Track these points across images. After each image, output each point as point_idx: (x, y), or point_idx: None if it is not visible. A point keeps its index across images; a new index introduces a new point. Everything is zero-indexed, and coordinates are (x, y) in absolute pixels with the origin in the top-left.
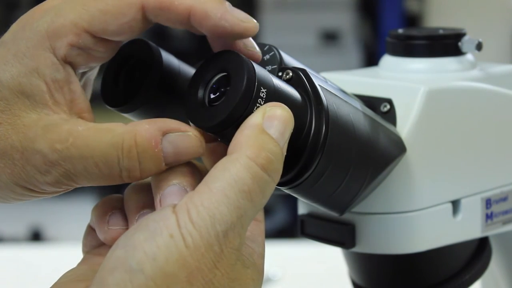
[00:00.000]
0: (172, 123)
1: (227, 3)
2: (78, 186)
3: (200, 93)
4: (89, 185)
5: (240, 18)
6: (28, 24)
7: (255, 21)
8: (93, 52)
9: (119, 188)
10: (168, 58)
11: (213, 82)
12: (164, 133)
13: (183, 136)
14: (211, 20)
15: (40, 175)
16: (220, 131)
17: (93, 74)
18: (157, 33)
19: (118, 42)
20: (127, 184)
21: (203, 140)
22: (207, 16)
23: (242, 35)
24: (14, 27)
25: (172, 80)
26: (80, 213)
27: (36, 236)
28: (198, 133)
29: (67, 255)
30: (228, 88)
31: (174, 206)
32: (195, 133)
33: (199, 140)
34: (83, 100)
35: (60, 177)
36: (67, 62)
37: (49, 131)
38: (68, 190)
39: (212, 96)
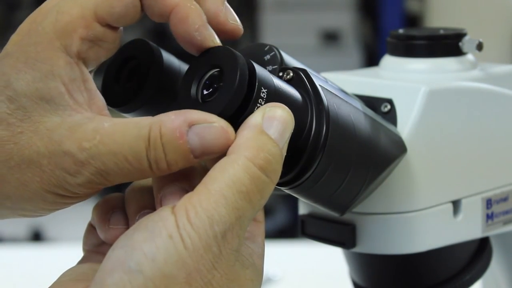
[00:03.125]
0: (199, 114)
1: (205, 18)
2: (111, 184)
3: (193, 89)
4: (122, 182)
5: (211, 38)
6: (32, 29)
7: (220, 45)
8: (103, 43)
9: (120, 187)
10: (169, 58)
11: (206, 78)
12: (190, 125)
13: (209, 127)
14: (187, 26)
15: (71, 177)
16: None
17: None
18: (157, 33)
19: (121, 32)
20: (129, 183)
21: (231, 130)
22: (186, 21)
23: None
24: (14, 37)
25: (172, 80)
26: (80, 213)
27: (36, 236)
28: (225, 124)
29: (67, 255)
30: (221, 84)
31: (173, 207)
32: (221, 124)
33: (226, 131)
34: (100, 98)
35: (92, 176)
36: (80, 58)
37: (75, 131)
38: (100, 190)
39: (205, 92)
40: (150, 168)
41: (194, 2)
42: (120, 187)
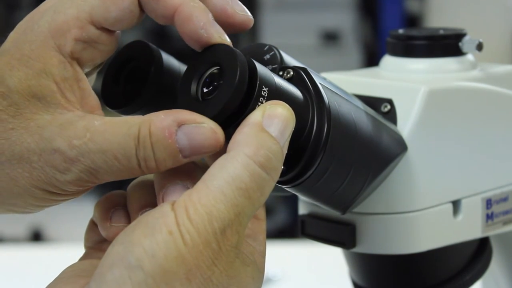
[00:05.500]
0: (188, 114)
1: (211, 15)
2: (100, 182)
3: (193, 87)
4: (111, 180)
5: (218, 34)
6: (28, 28)
7: (229, 40)
8: (97, 45)
9: (122, 185)
10: (169, 59)
11: (206, 76)
12: (179, 124)
13: (198, 127)
14: (192, 25)
15: (60, 174)
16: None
17: (92, 80)
18: (157, 33)
19: (118, 34)
20: (131, 180)
21: (220, 132)
22: (190, 20)
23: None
24: (12, 35)
25: (172, 81)
26: (80, 213)
27: (36, 236)
28: (215, 125)
29: (67, 255)
30: (221, 82)
31: (173, 203)
32: (211, 125)
33: (215, 133)
34: (93, 97)
35: (81, 173)
36: (74, 58)
37: (66, 128)
38: (90, 188)
39: (205, 90)
40: (139, 166)
41: (198, 0)
42: (122, 185)
